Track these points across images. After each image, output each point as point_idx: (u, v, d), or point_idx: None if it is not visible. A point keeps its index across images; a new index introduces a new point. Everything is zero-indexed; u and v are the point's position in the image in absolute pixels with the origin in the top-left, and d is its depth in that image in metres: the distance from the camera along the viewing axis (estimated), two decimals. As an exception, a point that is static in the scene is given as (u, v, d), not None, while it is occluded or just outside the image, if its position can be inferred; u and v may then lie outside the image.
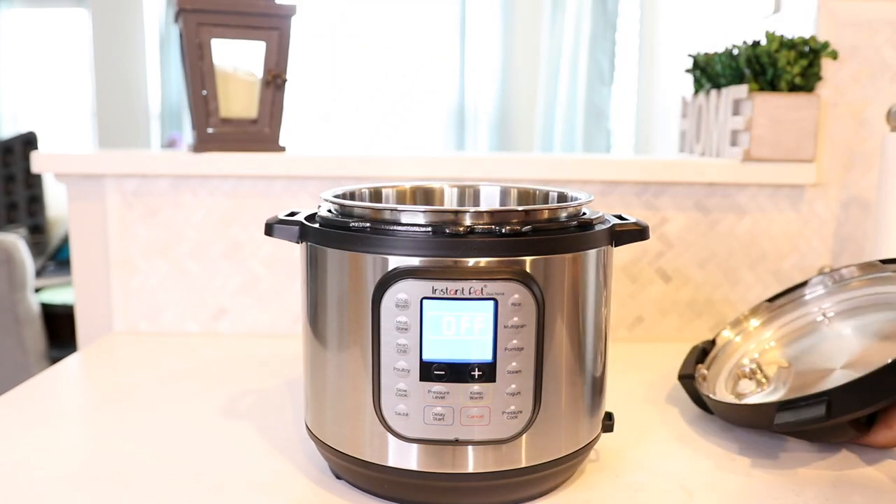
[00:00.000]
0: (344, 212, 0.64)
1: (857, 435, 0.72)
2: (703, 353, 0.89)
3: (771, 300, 0.91)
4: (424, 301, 0.56)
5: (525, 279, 0.57)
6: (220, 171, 1.09)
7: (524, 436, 0.59)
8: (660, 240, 1.12)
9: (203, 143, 1.11)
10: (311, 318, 0.64)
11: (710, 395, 0.80)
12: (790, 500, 0.64)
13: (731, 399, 0.81)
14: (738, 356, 0.89)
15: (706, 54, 1.21)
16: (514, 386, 0.58)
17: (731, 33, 1.82)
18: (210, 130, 1.11)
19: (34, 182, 3.40)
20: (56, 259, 3.06)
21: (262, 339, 1.12)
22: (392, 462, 0.60)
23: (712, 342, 0.91)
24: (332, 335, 0.62)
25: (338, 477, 0.67)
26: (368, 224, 0.59)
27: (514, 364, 0.58)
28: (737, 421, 0.78)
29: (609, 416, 0.69)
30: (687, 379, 0.85)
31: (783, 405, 0.69)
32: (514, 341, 0.57)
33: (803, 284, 0.90)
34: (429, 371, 0.57)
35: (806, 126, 1.07)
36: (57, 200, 3.48)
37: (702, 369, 0.85)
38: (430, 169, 1.08)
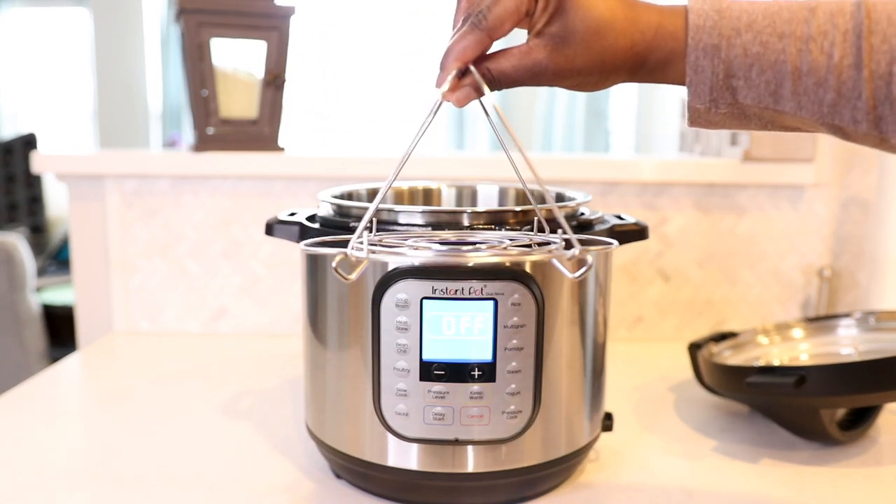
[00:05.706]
0: (343, 212, 0.64)
1: (839, 439, 0.73)
2: (721, 336, 0.91)
3: (810, 320, 0.92)
4: (424, 301, 0.56)
5: (525, 279, 0.57)
6: (220, 171, 1.09)
7: (524, 436, 0.59)
8: (660, 240, 1.12)
9: (203, 143, 1.11)
10: (311, 318, 0.64)
11: (704, 355, 0.82)
12: (790, 500, 0.64)
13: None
14: (757, 353, 0.91)
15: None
16: (514, 386, 0.58)
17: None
18: (210, 130, 1.11)
19: (34, 182, 3.40)
20: (56, 259, 3.06)
21: (262, 339, 1.12)
22: (392, 462, 0.60)
23: (735, 334, 0.93)
24: (332, 335, 0.62)
25: (338, 477, 0.67)
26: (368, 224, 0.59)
27: (513, 364, 0.58)
28: (719, 383, 0.79)
29: (609, 416, 0.69)
30: (695, 347, 0.88)
31: (761, 369, 0.71)
32: (514, 341, 0.57)
33: (846, 315, 0.90)
34: (429, 371, 0.57)
35: (806, 126, 1.07)
36: (57, 200, 3.47)
37: (713, 347, 0.88)
38: (429, 169, 1.08)
